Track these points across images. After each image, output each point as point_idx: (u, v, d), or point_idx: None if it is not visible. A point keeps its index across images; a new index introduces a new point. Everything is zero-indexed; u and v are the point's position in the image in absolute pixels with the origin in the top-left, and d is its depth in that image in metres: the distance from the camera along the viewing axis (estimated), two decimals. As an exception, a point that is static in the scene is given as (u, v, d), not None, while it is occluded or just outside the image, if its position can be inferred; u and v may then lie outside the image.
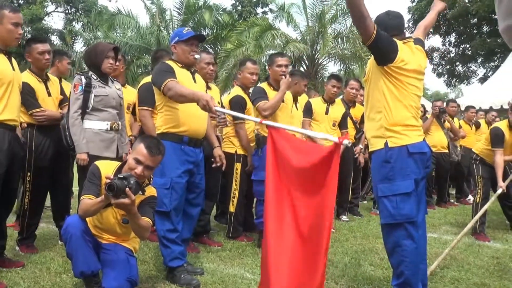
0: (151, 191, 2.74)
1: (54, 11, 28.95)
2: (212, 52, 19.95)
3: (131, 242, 2.82)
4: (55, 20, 52.81)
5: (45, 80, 3.81)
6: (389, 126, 2.67)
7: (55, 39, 28.09)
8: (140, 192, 2.61)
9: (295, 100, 4.39)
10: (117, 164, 2.76)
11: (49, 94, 3.79)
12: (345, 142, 2.03)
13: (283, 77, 4.02)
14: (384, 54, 2.64)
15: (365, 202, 7.24)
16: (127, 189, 2.33)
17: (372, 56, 2.73)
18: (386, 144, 2.66)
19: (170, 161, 3.04)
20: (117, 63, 4.04)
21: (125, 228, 2.69)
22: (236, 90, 4.48)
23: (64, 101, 3.92)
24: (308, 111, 5.16)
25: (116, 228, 2.69)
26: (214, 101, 2.70)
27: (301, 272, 2.19)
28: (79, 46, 24.43)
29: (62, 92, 3.97)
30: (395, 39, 2.71)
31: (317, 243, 2.13)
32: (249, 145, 4.31)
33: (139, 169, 2.54)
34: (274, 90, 4.15)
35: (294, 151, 2.30)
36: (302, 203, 2.24)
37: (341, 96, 6.15)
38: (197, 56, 3.21)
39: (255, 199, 4.52)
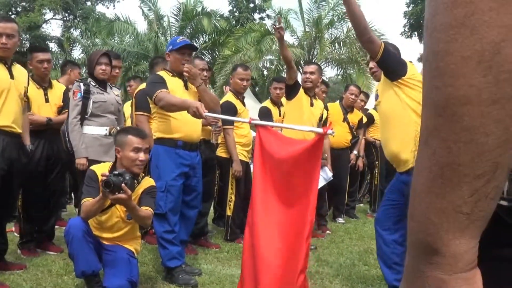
0: (149, 181, 2.86)
1: (52, 18, 29.07)
2: (210, 58, 20.15)
3: (132, 243, 2.91)
4: (53, 27, 53.02)
5: (45, 87, 3.89)
6: None
7: (53, 46, 28.21)
8: (136, 182, 2.73)
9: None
10: (110, 164, 2.88)
11: (47, 101, 3.85)
12: (329, 131, 2.15)
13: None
14: (395, 68, 2.69)
15: (362, 204, 7.33)
16: (123, 184, 2.44)
17: (383, 74, 2.77)
18: None
19: (165, 164, 3.16)
20: (117, 70, 4.18)
21: (130, 224, 2.79)
22: (227, 96, 4.58)
23: (64, 108, 3.98)
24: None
25: (121, 225, 2.79)
26: (204, 107, 2.81)
27: (286, 259, 2.26)
28: (77, 53, 24.53)
29: (65, 99, 4.01)
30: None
31: (301, 228, 2.21)
32: (235, 150, 4.38)
33: (141, 155, 2.71)
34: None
35: (280, 145, 2.41)
36: (285, 198, 2.32)
37: (338, 101, 6.26)
38: (185, 67, 3.24)
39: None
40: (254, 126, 3.51)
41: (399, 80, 2.67)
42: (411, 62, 2.89)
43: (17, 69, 3.31)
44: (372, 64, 3.05)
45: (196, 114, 2.85)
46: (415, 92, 2.66)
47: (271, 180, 2.37)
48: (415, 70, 2.79)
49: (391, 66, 2.69)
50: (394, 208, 2.83)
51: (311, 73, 4.37)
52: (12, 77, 3.19)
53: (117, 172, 2.50)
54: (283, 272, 2.25)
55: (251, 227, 2.41)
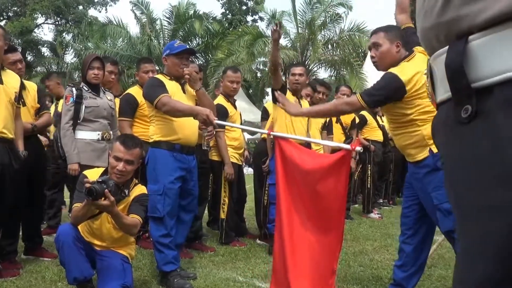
0: (141, 189, 2.84)
1: (44, 23, 28.97)
2: (203, 61, 20.14)
3: (127, 248, 2.89)
4: (45, 31, 52.61)
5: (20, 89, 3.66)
6: (430, 138, 2.50)
7: (45, 50, 28.10)
8: (125, 193, 2.71)
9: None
10: (102, 169, 2.87)
11: (24, 104, 3.67)
12: (358, 148, 2.17)
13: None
14: (390, 100, 2.59)
15: (356, 205, 7.34)
16: (106, 191, 2.43)
17: None
18: (430, 151, 2.54)
19: (163, 168, 3.15)
20: (113, 76, 4.15)
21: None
22: (218, 99, 4.57)
23: (41, 109, 3.87)
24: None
25: (112, 232, 2.76)
26: (212, 114, 2.83)
27: (314, 272, 2.36)
28: (69, 57, 24.43)
29: (40, 100, 3.90)
30: (392, 71, 2.59)
31: (332, 233, 2.29)
32: (227, 153, 4.37)
33: (120, 165, 2.66)
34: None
35: (303, 158, 2.44)
36: (312, 208, 2.39)
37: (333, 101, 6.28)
38: (186, 70, 3.27)
39: (245, 204, 4.61)
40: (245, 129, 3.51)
41: (397, 103, 2.59)
42: (410, 59, 2.67)
43: (8, 74, 3.27)
44: (373, 53, 2.84)
45: (206, 122, 2.86)
46: (419, 101, 2.54)
47: (297, 191, 2.44)
48: (413, 69, 2.57)
49: (385, 103, 2.63)
50: (411, 205, 2.82)
51: (300, 75, 4.36)
52: (1, 82, 3.15)
53: (100, 179, 2.50)
54: (317, 273, 2.32)
55: (280, 233, 2.47)
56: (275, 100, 4.27)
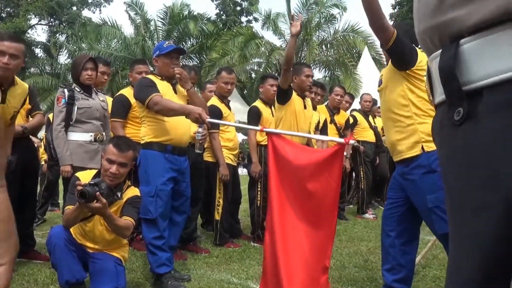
0: (134, 191, 2.81)
1: (37, 23, 28.84)
2: (198, 62, 20.13)
3: (120, 251, 2.86)
4: (39, 32, 52.35)
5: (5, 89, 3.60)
6: (425, 135, 2.49)
7: (39, 51, 27.97)
8: (118, 196, 2.69)
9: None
10: (94, 171, 2.85)
11: None
12: (351, 142, 2.16)
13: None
14: (406, 57, 2.57)
15: (351, 206, 7.34)
16: (98, 193, 2.41)
17: (391, 62, 2.67)
18: (422, 149, 2.50)
19: (155, 169, 3.13)
20: (106, 77, 4.13)
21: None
22: (212, 100, 4.54)
23: (33, 110, 3.79)
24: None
25: (105, 235, 2.74)
26: (205, 113, 2.81)
27: (304, 271, 2.35)
28: (63, 58, 24.32)
29: (32, 101, 3.77)
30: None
31: (321, 240, 2.31)
32: (222, 154, 4.35)
33: (113, 168, 2.63)
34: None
35: (296, 154, 2.43)
36: (305, 204, 2.39)
37: (326, 103, 6.28)
38: (177, 69, 3.23)
39: (240, 205, 4.60)
40: (240, 130, 3.52)
41: (408, 71, 2.57)
42: (420, 48, 2.71)
43: (15, 89, 3.03)
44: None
45: (199, 120, 2.84)
46: (422, 83, 2.54)
47: (289, 186, 2.44)
48: (423, 57, 2.61)
49: (401, 56, 2.58)
50: (395, 206, 2.76)
51: (312, 76, 4.38)
52: (3, 101, 2.92)
53: (92, 182, 2.48)
54: (307, 272, 2.31)
55: (271, 230, 2.45)
56: (281, 100, 4.17)
